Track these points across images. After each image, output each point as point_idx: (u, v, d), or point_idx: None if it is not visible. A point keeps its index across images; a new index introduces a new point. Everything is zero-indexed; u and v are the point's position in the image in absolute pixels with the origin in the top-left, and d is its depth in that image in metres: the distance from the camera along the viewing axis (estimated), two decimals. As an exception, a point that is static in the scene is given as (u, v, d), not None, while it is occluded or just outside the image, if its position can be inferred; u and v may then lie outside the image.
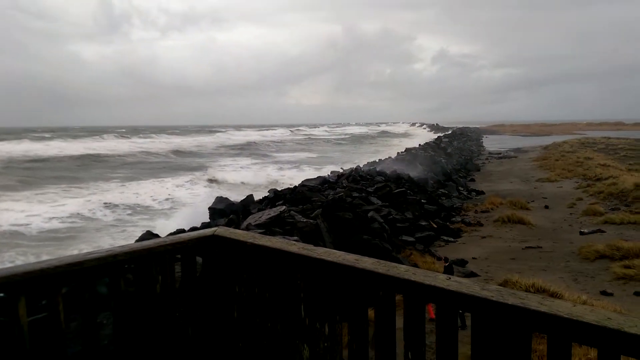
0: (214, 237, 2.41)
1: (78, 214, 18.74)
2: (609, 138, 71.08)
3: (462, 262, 11.65)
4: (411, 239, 13.54)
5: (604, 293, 9.58)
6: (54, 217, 17.99)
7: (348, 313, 1.95)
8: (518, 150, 55.53)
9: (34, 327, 2.03)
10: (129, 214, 19.60)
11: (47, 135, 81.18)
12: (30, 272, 1.92)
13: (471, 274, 10.80)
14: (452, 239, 14.58)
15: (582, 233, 14.90)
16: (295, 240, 10.56)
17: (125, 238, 14.89)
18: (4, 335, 2.04)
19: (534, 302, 1.42)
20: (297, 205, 13.88)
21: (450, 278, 1.66)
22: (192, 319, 2.41)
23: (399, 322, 1.82)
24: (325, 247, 12.16)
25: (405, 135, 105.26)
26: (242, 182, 29.14)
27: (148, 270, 2.23)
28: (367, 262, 1.88)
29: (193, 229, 11.91)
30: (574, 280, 10.67)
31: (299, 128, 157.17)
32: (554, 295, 8.74)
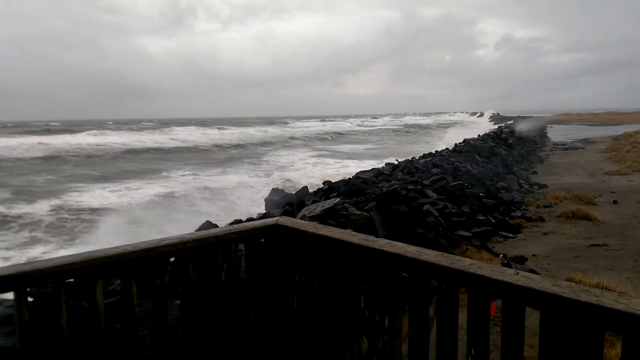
0: (276, 227, 2.47)
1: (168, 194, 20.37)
2: (689, 128, 65.63)
3: (522, 259, 11.23)
4: (467, 234, 13.21)
5: (679, 295, 8.95)
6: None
7: (409, 306, 1.95)
8: (585, 140, 52.52)
9: (107, 310, 2.16)
10: (205, 199, 20.81)
11: (124, 127, 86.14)
12: (108, 256, 2.05)
13: (531, 272, 10.40)
14: (511, 235, 14.08)
15: (655, 231, 13.93)
16: (349, 232, 10.60)
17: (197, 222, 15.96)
18: (83, 317, 2.18)
19: (609, 300, 1.37)
20: (350, 198, 13.90)
21: (518, 273, 1.63)
22: (254, 307, 2.49)
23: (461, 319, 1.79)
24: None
25: (464, 125, 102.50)
26: (299, 174, 29.62)
27: (214, 258, 2.33)
28: (430, 255, 1.87)
29: (250, 219, 12.21)
30: (644, 280, 10.03)
31: (360, 118, 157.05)
32: (620, 295, 8.28)
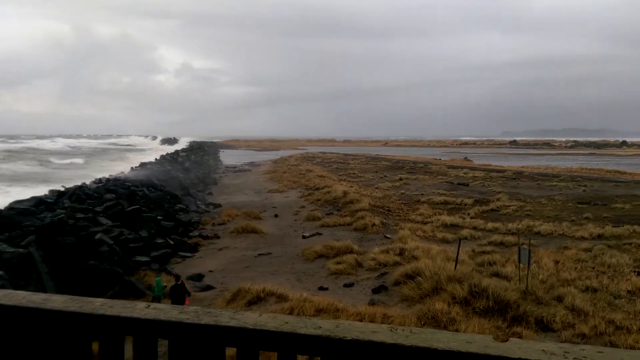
0: None
1: None
2: (325, 153, 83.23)
3: (199, 277, 11.73)
4: (146, 258, 12.94)
5: (321, 288, 11.02)
6: None
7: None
8: (252, 164, 59.55)
9: None
10: None
11: None
12: None
13: (207, 287, 10.96)
14: (190, 254, 14.56)
15: (304, 237, 16.87)
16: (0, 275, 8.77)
17: None
18: None
19: (225, 318, 1.48)
20: (2, 233, 11.62)
21: (149, 306, 1.60)
22: None
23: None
24: (42, 278, 10.49)
25: (143, 149, 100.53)
26: None
27: None
28: (57, 301, 1.65)
29: None
30: (297, 280, 11.96)
31: (19, 139, 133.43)
32: (280, 296, 9.57)
